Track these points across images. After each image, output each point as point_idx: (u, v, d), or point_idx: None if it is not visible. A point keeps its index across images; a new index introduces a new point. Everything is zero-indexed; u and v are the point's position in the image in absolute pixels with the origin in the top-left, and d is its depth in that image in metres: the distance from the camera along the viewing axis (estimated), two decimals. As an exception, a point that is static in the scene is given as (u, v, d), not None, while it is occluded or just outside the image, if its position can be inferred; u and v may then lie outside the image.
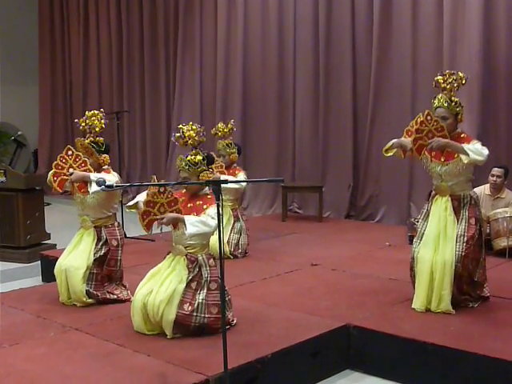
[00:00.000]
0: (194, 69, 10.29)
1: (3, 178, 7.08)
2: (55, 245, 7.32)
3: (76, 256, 4.72)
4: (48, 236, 7.44)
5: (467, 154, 4.20)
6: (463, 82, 4.45)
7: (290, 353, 3.83)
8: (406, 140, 4.46)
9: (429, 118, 4.32)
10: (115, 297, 4.73)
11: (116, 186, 3.16)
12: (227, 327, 3.91)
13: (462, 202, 4.43)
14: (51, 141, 12.99)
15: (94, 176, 4.55)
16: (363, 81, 8.47)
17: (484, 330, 4.06)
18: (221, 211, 3.16)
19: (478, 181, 5.69)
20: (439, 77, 4.48)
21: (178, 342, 3.87)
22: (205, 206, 3.99)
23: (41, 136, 13.14)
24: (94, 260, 4.67)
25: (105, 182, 3.22)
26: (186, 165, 4.03)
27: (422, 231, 4.50)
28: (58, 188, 4.66)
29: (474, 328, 4.09)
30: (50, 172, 4.71)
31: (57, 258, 6.09)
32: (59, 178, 4.65)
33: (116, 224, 4.87)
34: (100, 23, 11.91)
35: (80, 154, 4.68)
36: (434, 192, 4.55)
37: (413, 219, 6.94)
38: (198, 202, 4.04)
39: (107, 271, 4.75)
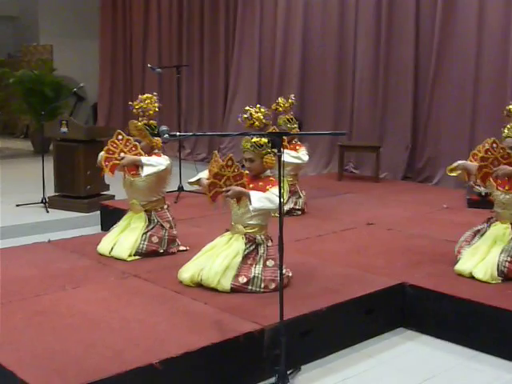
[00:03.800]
0: (254, 25, 10.21)
1: (65, 129, 7.22)
2: (114, 196, 7.47)
3: (125, 237, 4.69)
4: (107, 187, 7.58)
5: None
6: None
7: (344, 308, 3.85)
8: (472, 164, 4.45)
9: (494, 145, 4.25)
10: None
11: (180, 136, 3.18)
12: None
13: None
14: (111, 95, 13.15)
15: (145, 159, 4.58)
16: (426, 41, 8.28)
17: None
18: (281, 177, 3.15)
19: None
20: (511, 106, 4.37)
21: (235, 293, 3.91)
22: (268, 187, 3.96)
23: (101, 90, 13.31)
24: (143, 240, 4.64)
25: (168, 131, 3.24)
26: (251, 146, 4.02)
27: (473, 243, 4.43)
28: (109, 172, 4.66)
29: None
30: (101, 155, 4.70)
31: (116, 208, 6.34)
32: (111, 163, 4.65)
33: (165, 207, 4.85)
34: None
35: (130, 138, 4.68)
36: (494, 219, 4.46)
37: (472, 182, 6.81)
38: (260, 183, 4.02)
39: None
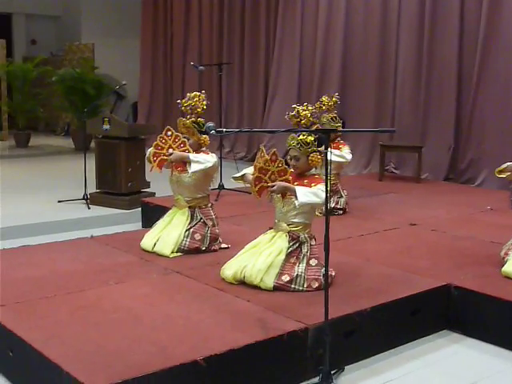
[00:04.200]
0: (295, 23, 10.16)
1: (108, 126, 7.27)
2: (154, 193, 7.52)
3: (167, 232, 4.69)
4: (148, 184, 7.63)
5: None
6: None
7: (389, 308, 3.79)
8: None
9: None
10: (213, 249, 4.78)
11: (226, 131, 3.16)
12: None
13: None
14: (151, 93, 13.25)
15: (193, 156, 4.58)
16: (470, 38, 8.14)
17: None
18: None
19: None
20: None
21: (278, 291, 3.89)
22: (312, 184, 3.92)
23: (141, 89, 13.41)
24: (186, 237, 4.63)
25: (215, 127, 3.23)
26: (297, 143, 3.98)
27: None
28: (157, 168, 4.67)
29: None
30: (150, 150, 4.72)
31: (157, 206, 6.37)
32: (159, 158, 4.66)
33: (209, 205, 4.84)
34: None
35: (179, 134, 4.68)
36: None
37: (515, 184, 6.69)
38: (305, 181, 3.98)
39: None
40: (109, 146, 7.39)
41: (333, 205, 5.95)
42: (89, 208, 7.18)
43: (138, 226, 6.61)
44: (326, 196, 3.22)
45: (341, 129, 5.90)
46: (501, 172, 4.52)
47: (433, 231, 5.50)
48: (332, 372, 3.26)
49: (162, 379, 2.85)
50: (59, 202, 7.35)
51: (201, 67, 7.96)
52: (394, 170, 8.99)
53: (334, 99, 6.09)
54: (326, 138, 3.09)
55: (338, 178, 6.12)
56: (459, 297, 4.07)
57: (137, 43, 13.65)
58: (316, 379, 3.25)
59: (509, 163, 4.46)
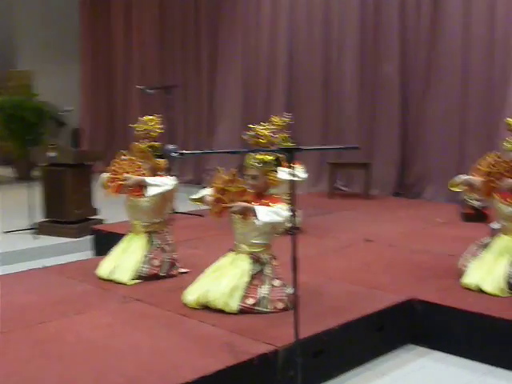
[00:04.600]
0: (237, 44, 10.20)
1: (54, 153, 7.09)
2: (102, 220, 7.37)
3: (125, 259, 4.58)
4: (95, 211, 7.47)
5: None
6: None
7: (356, 326, 3.77)
8: (475, 179, 4.42)
9: (498, 159, 4.26)
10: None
11: (189, 153, 3.11)
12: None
13: None
14: (93, 119, 13.05)
15: (150, 179, 4.50)
16: (412, 58, 8.36)
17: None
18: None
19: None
20: (510, 119, 4.37)
21: (243, 314, 3.82)
22: (271, 204, 3.88)
23: (83, 114, 13.19)
24: (144, 263, 4.52)
25: (176, 149, 3.17)
26: (256, 162, 3.95)
27: (478, 256, 4.40)
28: (114, 193, 4.57)
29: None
30: (104, 176, 4.62)
31: (110, 233, 6.23)
32: (115, 183, 4.56)
33: (166, 230, 4.76)
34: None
35: (134, 158, 4.61)
36: (499, 231, 4.42)
37: (465, 197, 6.82)
38: (264, 201, 3.94)
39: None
40: (55, 173, 7.21)
41: (289, 224, 5.91)
42: (37, 238, 6.97)
43: (89, 254, 6.45)
44: (294, 215, 3.19)
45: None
46: (454, 186, 4.57)
47: (389, 246, 5.54)
48: (303, 393, 3.21)
49: (133, 412, 2.75)
50: (5, 232, 7.12)
51: (150, 91, 7.89)
52: (341, 188, 9.05)
53: (284, 119, 6.08)
54: (290, 156, 3.06)
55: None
56: (422, 310, 4.09)
57: (77, 69, 13.44)
58: (288, 402, 3.20)
59: (462, 176, 4.53)
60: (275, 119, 6.06)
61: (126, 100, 12.35)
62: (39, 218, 7.24)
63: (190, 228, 6.34)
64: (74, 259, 5.93)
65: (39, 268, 5.07)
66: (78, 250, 6.66)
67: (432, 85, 8.11)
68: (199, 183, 10.43)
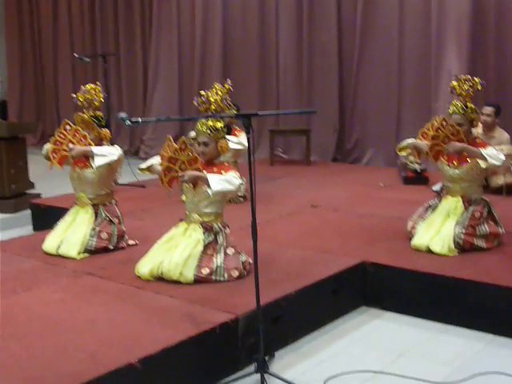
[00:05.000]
0: (171, 8, 9.93)
1: (-16, 127, 6.81)
2: (39, 194, 7.15)
3: (71, 233, 4.43)
4: (32, 185, 7.25)
5: (485, 159, 4.20)
6: (478, 87, 4.39)
7: (312, 290, 3.79)
8: (422, 143, 4.48)
9: (444, 123, 4.33)
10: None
11: (142, 122, 3.00)
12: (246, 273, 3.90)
13: (472, 204, 4.37)
14: (21, 91, 12.58)
15: (96, 149, 4.35)
16: (349, 22, 8.37)
17: (500, 263, 4.07)
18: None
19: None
20: (454, 83, 4.42)
21: (199, 284, 3.78)
22: (223, 172, 3.84)
23: (10, 87, 12.71)
24: (92, 236, 4.40)
25: (128, 117, 3.06)
26: (207, 129, 3.89)
27: (426, 217, 4.47)
28: (58, 164, 4.37)
29: (491, 262, 4.10)
30: (47, 147, 4.43)
31: (49, 207, 6.05)
32: (59, 154, 4.37)
33: (114, 202, 4.63)
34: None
35: (79, 128, 4.41)
36: (444, 192, 4.49)
37: (404, 160, 6.93)
38: (214, 169, 3.89)
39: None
40: (-13, 147, 6.93)
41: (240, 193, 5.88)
42: (-27, 214, 6.72)
43: (28, 229, 6.25)
44: (251, 181, 3.15)
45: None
46: (401, 150, 4.63)
47: (335, 211, 5.58)
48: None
49: (98, 387, 2.69)
50: None
51: (86, 58, 7.65)
52: (281, 155, 9.05)
53: (226, 86, 5.99)
54: (247, 121, 3.01)
55: (235, 165, 6.04)
56: (374, 272, 4.14)
57: (2, 41, 12.89)
58: (251, 368, 3.18)
59: (409, 140, 4.58)
60: (217, 86, 5.97)
61: (55, 71, 11.94)
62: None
63: (133, 200, 6.21)
64: (14, 235, 5.72)
65: (-20, 245, 4.86)
66: (16, 225, 6.45)
67: (368, 50, 8.15)
68: (136, 154, 10.25)
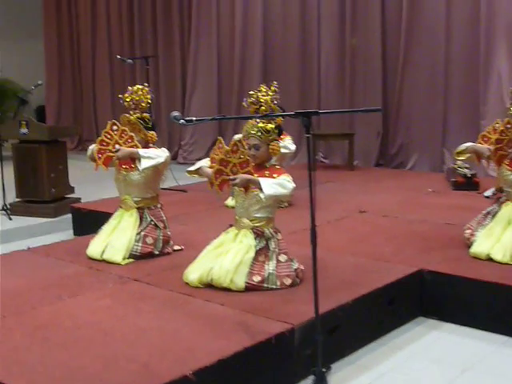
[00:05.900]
0: (211, 12, 9.86)
1: (26, 130, 6.76)
2: (80, 198, 7.09)
3: (116, 237, 4.30)
4: (72, 189, 7.20)
5: None
6: None
7: (368, 299, 3.61)
8: (483, 147, 4.26)
9: (508, 126, 4.10)
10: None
11: (196, 121, 2.87)
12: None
13: None
14: (59, 95, 12.61)
15: (142, 151, 4.21)
16: (393, 25, 8.17)
17: None
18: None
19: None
20: None
21: (250, 292, 3.62)
22: (274, 175, 3.67)
23: (48, 92, 12.73)
24: (137, 241, 4.26)
25: (182, 116, 2.92)
26: (258, 131, 3.74)
27: (485, 224, 4.26)
28: (103, 165, 4.25)
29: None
30: (93, 147, 4.31)
31: (90, 211, 5.95)
32: (105, 155, 4.24)
33: (159, 205, 4.50)
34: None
35: (126, 129, 4.28)
36: (504, 198, 4.27)
37: (453, 165, 6.72)
38: (266, 172, 3.73)
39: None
40: (28, 150, 6.89)
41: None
42: (10, 219, 6.65)
43: (69, 234, 6.16)
44: (310, 186, 2.99)
45: (281, 118, 5.68)
46: (459, 154, 4.42)
47: (384, 217, 5.39)
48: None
49: (151, 400, 2.54)
50: (-24, 214, 6.79)
51: (129, 60, 7.58)
52: (322, 159, 8.88)
53: (272, 88, 5.84)
54: (308, 121, 2.85)
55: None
56: (433, 281, 3.94)
57: (39, 45, 12.94)
58: (307, 382, 3.01)
59: (467, 144, 4.38)
60: (263, 88, 5.83)
61: (93, 75, 11.93)
62: (12, 198, 6.92)
63: (175, 204, 6.09)
64: (55, 240, 5.63)
65: (24, 250, 4.75)
66: (58, 229, 6.39)
67: (413, 53, 7.95)
68: (174, 159, 10.15)
